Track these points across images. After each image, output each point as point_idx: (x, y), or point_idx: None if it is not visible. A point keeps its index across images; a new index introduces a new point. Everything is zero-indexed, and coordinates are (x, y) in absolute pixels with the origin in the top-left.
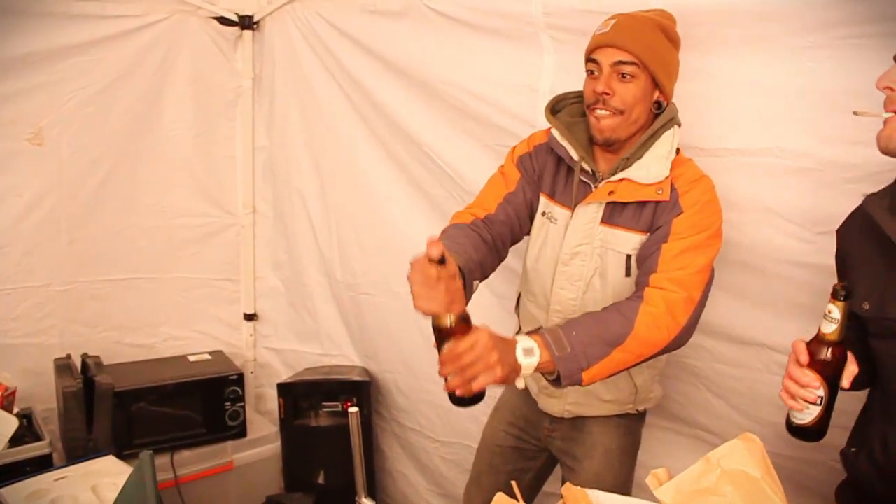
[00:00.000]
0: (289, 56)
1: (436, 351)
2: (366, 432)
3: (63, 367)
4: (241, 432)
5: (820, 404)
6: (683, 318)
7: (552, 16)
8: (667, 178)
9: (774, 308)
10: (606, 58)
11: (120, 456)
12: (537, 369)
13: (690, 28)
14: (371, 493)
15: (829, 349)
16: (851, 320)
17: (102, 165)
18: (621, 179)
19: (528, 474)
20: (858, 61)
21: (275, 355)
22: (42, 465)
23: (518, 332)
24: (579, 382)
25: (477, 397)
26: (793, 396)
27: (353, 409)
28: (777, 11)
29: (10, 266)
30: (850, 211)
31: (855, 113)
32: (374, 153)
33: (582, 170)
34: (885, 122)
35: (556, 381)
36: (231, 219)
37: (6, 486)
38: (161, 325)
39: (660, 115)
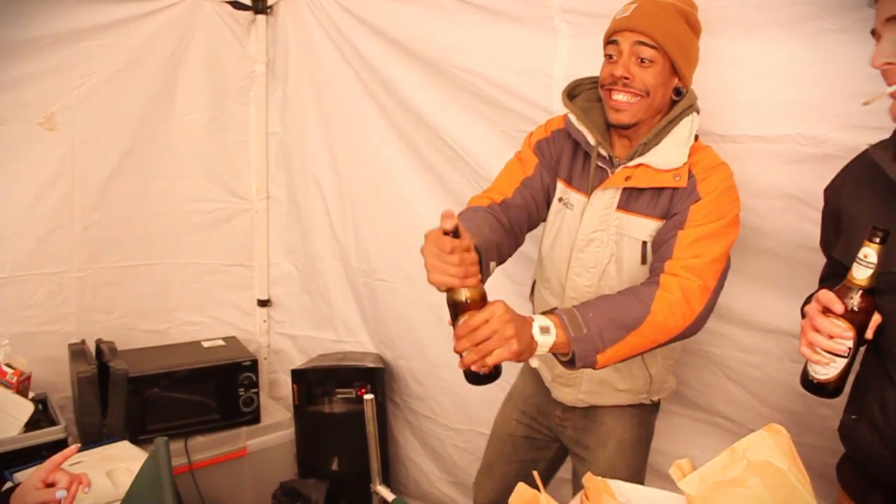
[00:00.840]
0: (303, 40)
1: (451, 330)
2: (380, 419)
3: (77, 352)
4: (254, 418)
5: (847, 356)
6: (699, 306)
7: None
8: (685, 164)
9: (796, 295)
10: (626, 41)
11: (134, 441)
12: (552, 349)
13: (711, 13)
14: (385, 481)
15: (862, 297)
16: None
17: (115, 151)
18: (638, 165)
19: (540, 464)
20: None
21: (288, 341)
22: (57, 449)
23: None
24: (593, 365)
25: (493, 374)
26: (815, 350)
27: (369, 396)
28: None
29: (24, 252)
30: None
31: (865, 104)
32: (389, 138)
33: (599, 155)
34: (893, 95)
35: (570, 363)
36: (244, 204)
37: (22, 469)
38: (175, 310)
39: (678, 101)
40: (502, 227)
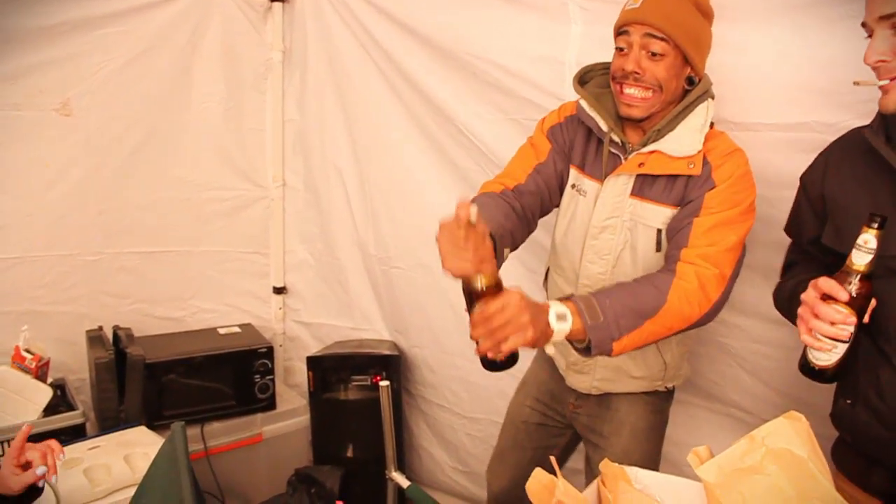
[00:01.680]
0: (319, 27)
1: (465, 318)
2: (395, 407)
3: (95, 338)
4: (270, 405)
5: (848, 342)
6: (715, 295)
7: None
8: (699, 152)
9: None
10: (636, 34)
11: (151, 427)
12: (568, 336)
13: None
14: (399, 469)
15: (861, 282)
16: (831, 259)
17: (131, 137)
18: (651, 152)
19: (553, 451)
20: None
21: (304, 329)
22: (76, 434)
23: None
24: (609, 353)
25: (509, 361)
26: (816, 337)
27: (384, 383)
28: None
29: (37, 234)
30: None
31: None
32: (405, 124)
33: (611, 141)
34: (884, 89)
35: (586, 350)
36: (260, 192)
37: None
38: (190, 297)
39: (692, 89)
40: (515, 214)
